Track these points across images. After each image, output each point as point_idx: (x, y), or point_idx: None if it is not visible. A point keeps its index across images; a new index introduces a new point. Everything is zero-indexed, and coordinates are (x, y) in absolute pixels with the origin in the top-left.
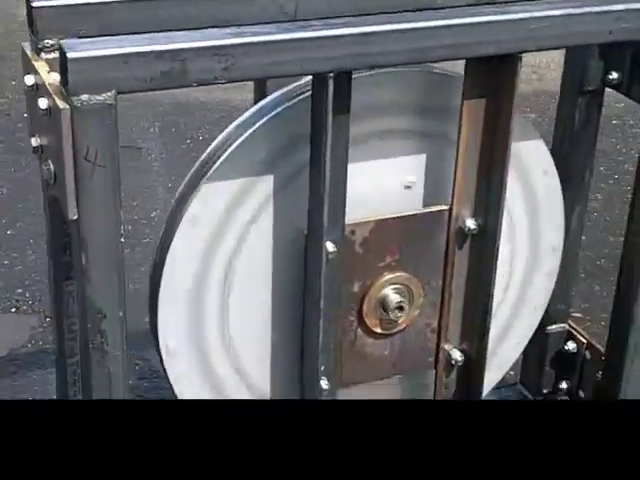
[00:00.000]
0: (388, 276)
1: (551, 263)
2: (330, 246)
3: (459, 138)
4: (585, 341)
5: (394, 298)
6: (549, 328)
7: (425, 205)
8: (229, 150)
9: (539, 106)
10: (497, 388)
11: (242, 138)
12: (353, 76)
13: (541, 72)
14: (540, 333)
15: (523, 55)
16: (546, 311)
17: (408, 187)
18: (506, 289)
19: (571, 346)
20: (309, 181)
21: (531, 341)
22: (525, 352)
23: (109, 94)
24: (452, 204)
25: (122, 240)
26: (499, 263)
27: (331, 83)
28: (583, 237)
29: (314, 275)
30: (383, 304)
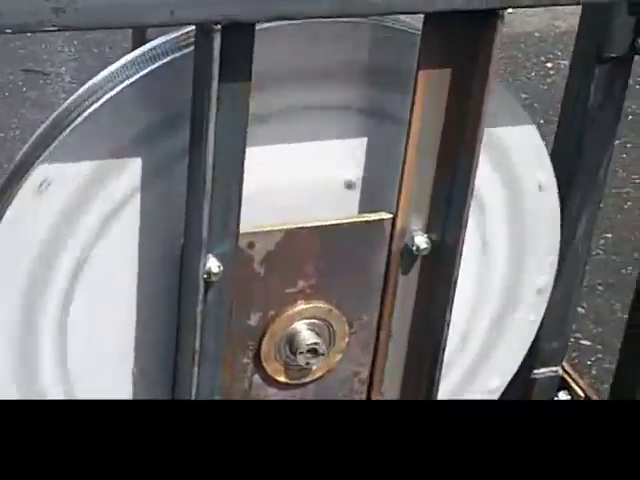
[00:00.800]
0: (300, 307)
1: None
2: (214, 263)
3: (411, 120)
4: (582, 394)
5: (307, 337)
6: (537, 372)
7: (363, 211)
8: (84, 114)
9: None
10: None
11: (103, 99)
12: (259, 26)
13: None
14: (525, 377)
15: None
16: (534, 348)
17: (349, 186)
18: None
19: (563, 398)
20: (188, 171)
21: (513, 386)
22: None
23: None
24: (397, 212)
25: None
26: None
27: (218, 37)
28: (608, 235)
29: (189, 302)
30: (291, 344)
